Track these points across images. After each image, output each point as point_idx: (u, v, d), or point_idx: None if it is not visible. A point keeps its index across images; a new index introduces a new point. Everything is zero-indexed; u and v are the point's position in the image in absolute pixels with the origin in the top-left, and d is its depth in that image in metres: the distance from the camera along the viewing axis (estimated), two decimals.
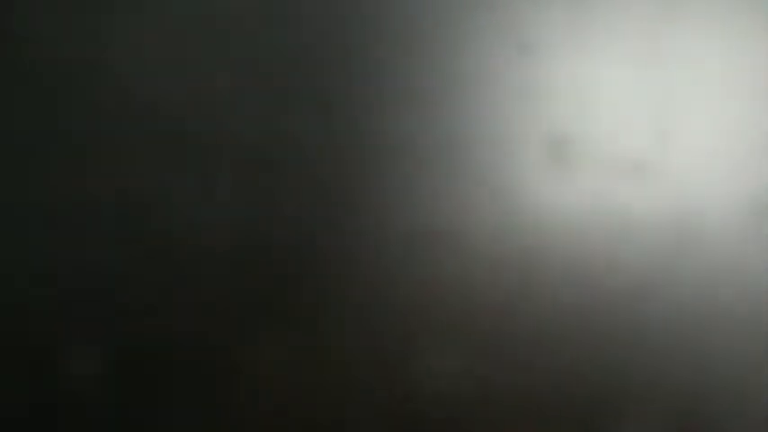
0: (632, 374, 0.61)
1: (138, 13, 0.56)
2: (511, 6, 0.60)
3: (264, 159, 0.57)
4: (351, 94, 0.59)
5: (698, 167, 0.62)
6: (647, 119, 0.62)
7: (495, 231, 0.60)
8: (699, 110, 0.62)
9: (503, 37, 0.60)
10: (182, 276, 0.56)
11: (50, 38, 0.55)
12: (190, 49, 0.57)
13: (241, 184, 0.57)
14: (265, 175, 0.57)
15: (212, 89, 0.57)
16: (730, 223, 0.62)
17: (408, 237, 0.59)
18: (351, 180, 0.58)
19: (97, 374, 0.55)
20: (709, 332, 0.62)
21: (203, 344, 0.57)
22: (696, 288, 0.62)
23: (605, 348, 0.61)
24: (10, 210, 0.54)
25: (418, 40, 0.59)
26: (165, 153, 0.56)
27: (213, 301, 0.57)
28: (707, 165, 0.62)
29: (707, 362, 0.62)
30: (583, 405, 0.61)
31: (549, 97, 0.61)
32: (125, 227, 0.55)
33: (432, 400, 0.59)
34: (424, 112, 0.59)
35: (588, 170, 0.61)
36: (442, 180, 0.60)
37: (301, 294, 0.58)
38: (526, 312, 0.60)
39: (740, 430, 0.62)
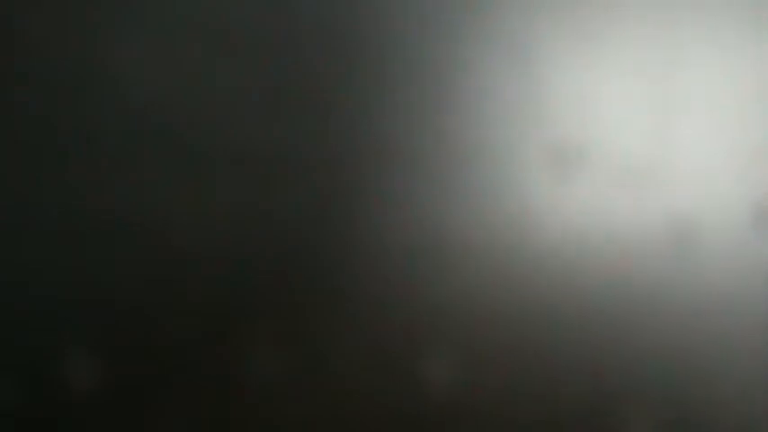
0: (634, 381, 0.61)
1: (136, 20, 0.56)
2: (513, 17, 0.60)
3: (265, 168, 0.57)
4: (351, 103, 0.59)
5: (699, 175, 0.62)
6: (649, 128, 0.62)
7: (496, 240, 0.60)
8: (699, 118, 0.62)
9: (504, 47, 0.60)
10: (179, 283, 0.56)
11: (50, 43, 0.55)
12: (188, 55, 0.57)
13: (240, 192, 0.57)
14: (265, 185, 0.57)
15: (211, 96, 0.57)
16: (731, 230, 0.62)
17: (409, 247, 0.59)
18: (351, 190, 0.58)
19: (95, 378, 0.55)
20: (708, 338, 0.62)
21: (201, 350, 0.57)
22: (697, 294, 0.62)
23: (608, 355, 0.61)
24: (10, 215, 0.54)
25: (421, 50, 0.60)
26: (164, 159, 0.56)
27: (211, 308, 0.57)
28: (708, 173, 0.62)
29: (706, 368, 0.62)
30: (584, 411, 0.61)
31: (552, 107, 0.61)
32: (123, 232, 0.55)
33: (432, 409, 0.59)
34: (425, 123, 0.60)
35: (590, 179, 0.61)
36: (443, 189, 0.60)
37: (300, 304, 0.58)
38: (528, 321, 0.61)
39: None
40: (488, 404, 0.60)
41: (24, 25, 0.55)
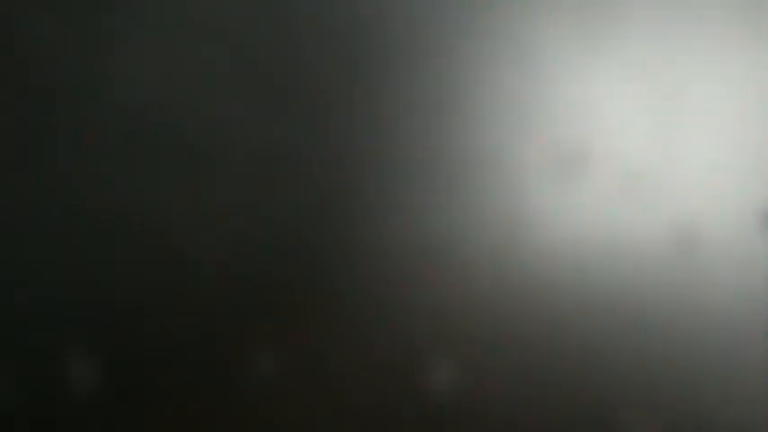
0: (636, 384, 0.61)
1: (137, 22, 0.56)
2: (517, 21, 0.61)
3: (265, 169, 0.57)
4: (353, 104, 0.59)
5: (702, 179, 0.62)
6: (652, 132, 0.62)
7: (498, 242, 0.60)
8: (702, 122, 0.62)
9: (508, 51, 0.60)
10: (179, 285, 0.56)
11: (51, 44, 0.55)
12: (190, 59, 0.57)
13: (240, 192, 0.57)
14: (266, 185, 0.57)
15: (212, 97, 0.57)
16: (732, 236, 0.62)
17: (410, 248, 0.59)
18: (352, 190, 0.58)
19: (94, 379, 0.55)
20: (711, 342, 0.62)
21: (200, 350, 0.57)
22: (699, 297, 0.62)
23: (607, 357, 0.61)
24: (10, 216, 0.54)
25: (424, 55, 0.60)
26: (164, 159, 0.56)
27: (212, 309, 0.57)
28: (711, 176, 0.62)
29: (708, 372, 0.62)
30: (583, 411, 0.61)
31: (555, 111, 0.61)
32: (123, 232, 0.56)
33: (432, 410, 0.59)
34: (428, 126, 0.60)
35: (593, 183, 0.61)
36: (444, 191, 0.60)
37: (300, 305, 0.58)
38: (531, 325, 0.61)
39: None
40: (488, 405, 0.60)
41: (25, 27, 0.55)
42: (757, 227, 0.62)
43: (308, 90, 0.58)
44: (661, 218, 0.62)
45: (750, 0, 0.63)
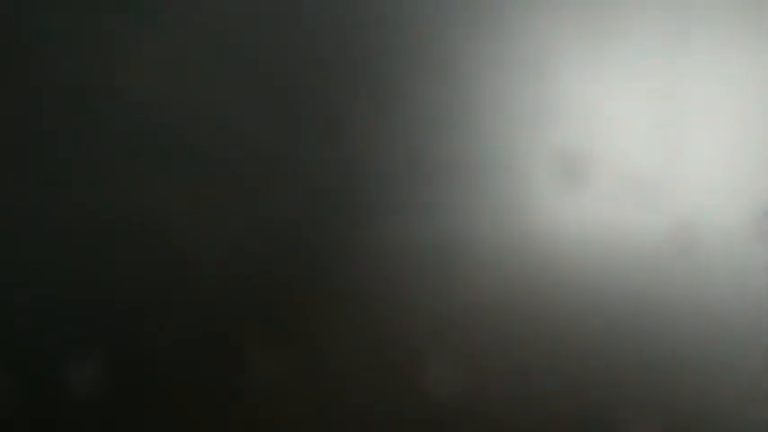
0: (637, 387, 0.61)
1: (141, 28, 0.56)
2: (524, 28, 0.61)
3: (269, 172, 0.57)
4: (358, 108, 0.59)
5: (707, 188, 0.62)
6: (658, 140, 0.62)
7: (502, 247, 0.60)
8: (708, 131, 0.62)
9: (512, 55, 0.60)
10: (178, 285, 0.56)
11: (53, 51, 0.55)
12: (194, 62, 0.57)
13: (241, 194, 0.57)
14: (270, 188, 0.57)
15: (214, 99, 0.57)
16: (735, 240, 0.62)
17: (415, 252, 0.59)
18: (357, 194, 0.59)
19: (95, 380, 0.55)
20: (712, 346, 0.62)
21: (200, 352, 0.57)
22: (701, 303, 0.62)
23: (612, 362, 0.61)
24: (11, 217, 0.54)
25: (429, 56, 0.60)
26: (169, 165, 0.56)
27: (211, 310, 0.57)
28: (713, 182, 0.62)
29: (709, 374, 0.62)
30: (587, 415, 0.61)
31: (558, 115, 0.61)
32: (123, 233, 0.56)
33: (435, 412, 0.59)
34: (432, 128, 0.60)
35: (598, 190, 0.61)
36: (449, 196, 0.60)
37: (303, 307, 0.58)
38: (532, 326, 0.61)
39: None
40: (489, 407, 0.60)
41: (27, 30, 0.55)
42: (758, 227, 0.62)
43: (310, 90, 0.58)
44: (666, 219, 0.62)
45: (752, 0, 0.63)
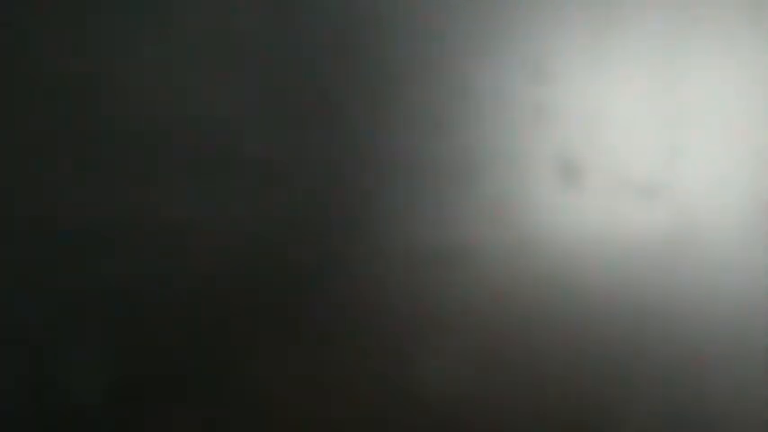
0: (638, 392, 0.62)
1: (146, 30, 0.56)
2: (524, 29, 0.61)
3: (273, 175, 0.57)
4: (361, 111, 0.59)
5: (707, 189, 0.62)
6: (657, 141, 0.62)
7: (504, 251, 0.60)
8: (708, 132, 0.62)
9: (515, 59, 0.60)
10: (185, 290, 0.56)
11: (57, 53, 0.55)
12: (198, 65, 0.56)
13: (248, 199, 0.57)
14: (273, 191, 0.57)
15: (221, 106, 0.57)
16: (738, 244, 0.62)
17: (416, 255, 0.59)
18: (360, 197, 0.59)
19: (96, 381, 0.55)
20: (714, 351, 0.62)
21: (206, 356, 0.57)
22: (705, 307, 0.62)
23: (614, 366, 0.61)
24: (12, 218, 0.54)
25: (431, 60, 0.60)
26: (172, 167, 0.56)
27: (216, 314, 0.57)
28: (715, 186, 0.62)
29: (709, 379, 0.62)
30: (589, 420, 0.61)
31: (560, 119, 0.61)
32: (131, 243, 0.55)
33: (434, 419, 0.59)
34: (435, 132, 0.60)
35: (598, 191, 0.61)
36: (451, 199, 0.60)
37: (305, 310, 0.58)
38: (534, 331, 0.61)
39: None
40: (489, 412, 0.60)
41: (30, 36, 0.54)
42: (762, 234, 0.62)
43: (313, 96, 0.58)
44: (666, 220, 0.62)
45: (753, 1, 0.63)
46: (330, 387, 0.58)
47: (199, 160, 0.56)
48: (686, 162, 0.62)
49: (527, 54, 0.60)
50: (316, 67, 0.58)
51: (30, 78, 0.54)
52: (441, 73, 0.60)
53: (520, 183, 0.60)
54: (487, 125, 0.60)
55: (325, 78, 0.58)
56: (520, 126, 0.60)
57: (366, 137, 0.59)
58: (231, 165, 0.57)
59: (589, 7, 0.61)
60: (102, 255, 0.55)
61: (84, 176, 0.55)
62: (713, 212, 0.62)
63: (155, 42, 0.56)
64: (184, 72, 0.56)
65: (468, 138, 0.60)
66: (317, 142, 0.58)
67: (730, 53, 0.63)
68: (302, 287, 0.58)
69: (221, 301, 0.57)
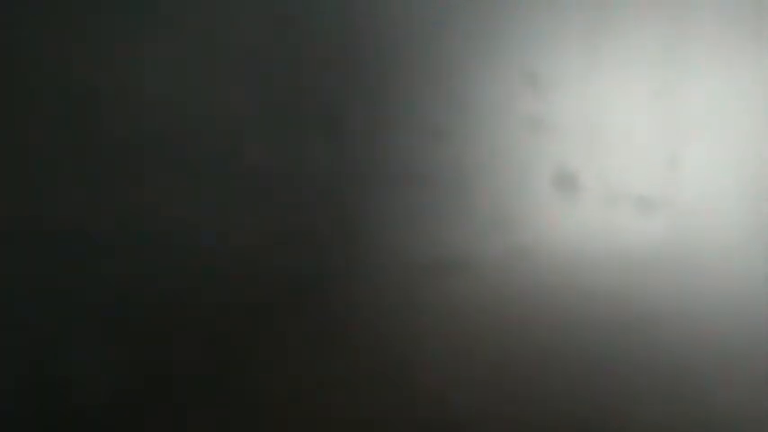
0: (636, 404, 0.61)
1: (146, 36, 0.56)
2: (521, 39, 0.60)
3: (270, 184, 0.57)
4: (361, 123, 0.59)
5: (706, 200, 0.62)
6: (655, 152, 0.62)
7: (501, 262, 0.60)
8: (706, 142, 0.62)
9: (513, 69, 0.60)
10: (185, 290, 0.56)
11: (56, 57, 0.55)
12: (197, 72, 0.57)
13: (245, 209, 0.57)
14: (270, 200, 0.57)
15: (220, 115, 0.57)
16: (737, 256, 0.62)
17: (414, 266, 0.59)
18: (357, 207, 0.58)
19: (100, 388, 0.55)
20: (713, 362, 0.62)
21: (205, 357, 0.57)
22: (704, 320, 0.62)
23: (612, 375, 0.61)
24: (20, 222, 0.54)
25: (429, 70, 0.59)
26: (174, 177, 0.56)
27: (214, 319, 0.57)
28: (715, 198, 0.62)
29: (711, 392, 0.62)
30: (588, 428, 0.61)
31: (558, 130, 0.61)
32: (131, 245, 0.56)
33: (433, 429, 0.59)
34: (432, 143, 0.59)
35: (595, 202, 0.61)
36: (449, 210, 0.59)
37: (302, 320, 0.58)
38: (531, 342, 0.60)
39: None
40: (489, 422, 0.60)
41: (29, 38, 0.55)
42: (765, 249, 0.62)
43: (309, 103, 0.58)
44: (669, 241, 0.61)
45: (753, 10, 0.63)
46: (328, 397, 0.58)
47: (198, 168, 0.57)
48: (684, 173, 0.62)
49: (524, 65, 0.60)
50: (314, 77, 0.58)
51: (30, 81, 0.54)
52: (438, 84, 0.60)
53: (517, 194, 0.60)
54: (485, 136, 0.60)
55: (322, 89, 0.58)
56: (517, 137, 0.60)
57: (363, 147, 0.59)
58: (229, 173, 0.57)
59: (586, 18, 0.61)
60: (102, 256, 0.55)
61: (84, 179, 0.55)
62: (711, 223, 0.62)
63: (154, 48, 0.56)
64: (183, 79, 0.56)
65: (466, 149, 0.60)
66: (314, 152, 0.58)
67: (728, 63, 0.62)
68: (299, 297, 0.58)
69: (219, 307, 0.57)
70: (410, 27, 0.59)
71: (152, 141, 0.56)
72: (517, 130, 0.60)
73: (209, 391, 0.56)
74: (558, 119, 0.61)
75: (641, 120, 0.62)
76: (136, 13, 0.56)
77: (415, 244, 0.59)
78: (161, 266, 0.56)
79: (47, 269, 0.55)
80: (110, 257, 0.55)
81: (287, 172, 0.58)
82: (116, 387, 0.55)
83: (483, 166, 0.60)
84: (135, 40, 0.56)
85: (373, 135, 0.59)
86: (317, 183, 0.58)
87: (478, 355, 0.60)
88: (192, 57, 0.57)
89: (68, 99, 0.55)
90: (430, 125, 0.59)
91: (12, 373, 0.54)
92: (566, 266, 0.60)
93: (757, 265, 0.62)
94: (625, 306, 0.61)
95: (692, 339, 0.62)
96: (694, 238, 0.62)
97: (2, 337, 0.54)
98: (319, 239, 0.58)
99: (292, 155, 0.58)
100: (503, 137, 0.60)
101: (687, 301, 0.62)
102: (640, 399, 0.61)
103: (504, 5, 0.60)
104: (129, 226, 0.55)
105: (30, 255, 0.54)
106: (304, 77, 0.58)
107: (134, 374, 0.55)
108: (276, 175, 0.58)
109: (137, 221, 0.55)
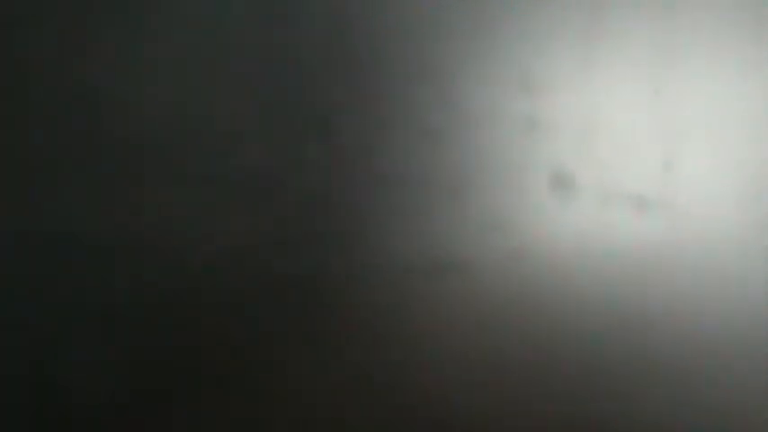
0: (634, 404, 0.61)
1: (143, 40, 0.56)
2: (517, 41, 0.60)
3: (266, 186, 0.57)
4: (357, 125, 0.59)
5: (702, 201, 0.62)
6: (652, 152, 0.62)
7: (499, 264, 0.60)
8: (702, 143, 0.62)
9: (508, 71, 0.60)
10: (185, 291, 0.56)
11: (53, 62, 0.55)
12: (200, 76, 0.57)
13: (242, 211, 0.57)
14: (266, 202, 0.57)
15: (216, 119, 0.57)
16: (733, 255, 0.62)
17: (410, 268, 0.59)
18: (353, 210, 0.58)
19: (100, 388, 0.55)
20: (709, 364, 0.62)
21: (205, 358, 0.57)
22: (700, 320, 0.62)
23: (608, 376, 0.61)
24: (20, 223, 0.54)
25: (424, 74, 0.59)
26: (173, 178, 0.56)
27: (216, 322, 0.57)
28: (710, 197, 0.62)
29: (707, 392, 0.62)
30: (587, 430, 0.61)
31: (554, 131, 0.61)
32: (134, 256, 0.56)
33: (431, 431, 0.59)
34: (429, 144, 0.59)
35: (592, 204, 0.61)
36: (444, 212, 0.59)
37: (298, 321, 0.58)
38: (528, 342, 0.60)
39: None
40: (487, 423, 0.60)
41: (24, 43, 0.55)
42: (760, 248, 0.62)
43: (316, 119, 0.58)
44: (665, 241, 0.61)
45: (750, 10, 0.63)
46: (326, 398, 0.58)
47: (196, 169, 0.57)
48: (680, 173, 0.62)
49: (518, 66, 0.61)
50: (309, 81, 0.58)
51: (29, 82, 0.54)
52: (434, 85, 0.60)
53: (513, 195, 0.60)
54: (480, 138, 0.60)
55: (319, 91, 0.58)
56: (512, 138, 0.60)
57: (359, 149, 0.59)
58: (225, 176, 0.57)
59: (580, 20, 0.61)
60: (102, 257, 0.55)
61: (84, 180, 0.55)
62: (707, 224, 0.62)
63: (151, 52, 0.56)
64: (182, 81, 0.56)
65: (461, 150, 0.60)
66: (311, 154, 0.58)
67: (725, 63, 0.62)
68: (295, 299, 0.58)
69: (218, 307, 0.57)
70: (406, 29, 0.60)
71: (151, 142, 0.56)
72: (513, 131, 0.60)
73: (209, 392, 0.56)
74: (554, 120, 0.61)
75: (637, 120, 0.62)
76: (133, 17, 0.56)
77: (411, 245, 0.59)
78: (161, 267, 0.56)
79: (47, 269, 0.55)
80: (110, 258, 0.55)
81: (284, 173, 0.58)
82: (116, 387, 0.55)
83: (479, 167, 0.60)
84: (135, 41, 0.56)
85: (369, 137, 0.59)
86: (314, 184, 0.58)
87: (476, 356, 0.60)
88: (192, 59, 0.57)
89: (68, 99, 0.55)
90: (426, 126, 0.59)
91: (12, 373, 0.54)
92: (562, 267, 0.60)
93: (754, 265, 0.62)
94: (622, 306, 0.61)
95: (688, 340, 0.62)
96: (691, 238, 0.62)
97: (2, 337, 0.54)
98: (316, 241, 0.58)
99: (290, 156, 0.58)
100: (499, 138, 0.60)
101: (684, 302, 0.62)
102: (638, 399, 0.61)
103: (500, 7, 0.61)
104: (128, 226, 0.55)
105: (30, 255, 0.54)
106: (300, 80, 0.58)
107: (134, 374, 0.55)
108: (274, 177, 0.58)
109: (137, 222, 0.55)
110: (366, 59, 0.59)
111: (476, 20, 0.60)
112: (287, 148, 0.58)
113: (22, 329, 0.54)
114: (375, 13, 0.59)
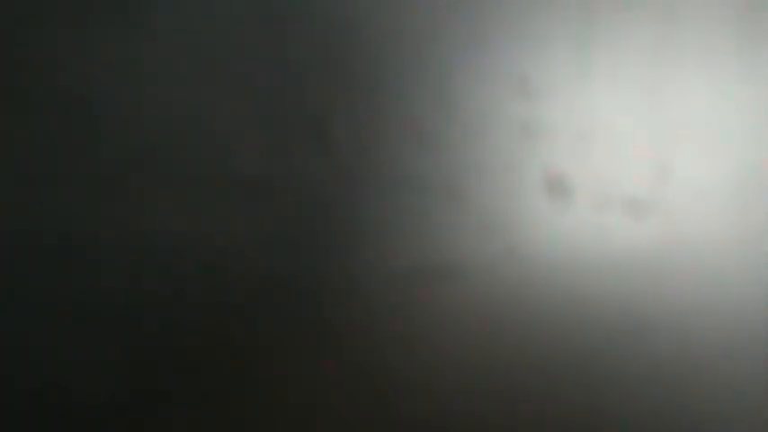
0: (629, 406, 0.62)
1: (143, 44, 0.56)
2: (513, 44, 0.61)
3: (260, 190, 0.57)
4: (352, 128, 0.59)
5: (697, 204, 0.62)
6: (647, 156, 0.62)
7: (493, 267, 0.60)
8: (698, 148, 0.62)
9: (504, 74, 0.61)
10: (184, 291, 0.56)
11: (46, 66, 0.55)
12: (196, 79, 0.57)
13: (236, 214, 0.57)
14: (260, 205, 0.57)
15: (210, 122, 0.57)
16: (727, 259, 0.62)
17: (408, 271, 0.59)
18: (348, 213, 0.58)
19: (100, 388, 0.55)
20: (706, 366, 0.62)
21: (204, 358, 0.57)
22: (695, 323, 0.62)
23: (603, 379, 0.61)
24: (20, 223, 0.54)
25: (420, 77, 0.60)
26: (170, 182, 0.56)
27: (215, 323, 0.57)
28: (705, 202, 0.62)
29: (704, 396, 0.62)
30: (582, 430, 0.61)
31: (551, 135, 0.61)
32: (134, 256, 0.56)
33: None
34: (424, 148, 0.60)
35: (586, 206, 0.61)
36: (439, 215, 0.60)
37: (292, 324, 0.58)
38: (522, 345, 0.61)
39: None
40: (482, 426, 0.60)
41: (26, 35, 0.55)
42: (755, 253, 0.62)
43: (299, 109, 0.58)
44: (660, 245, 0.62)
45: (751, 4, 0.63)
46: (321, 399, 0.58)
47: (187, 175, 0.57)
48: (675, 177, 0.62)
49: (514, 70, 0.61)
50: (303, 84, 0.59)
51: (28, 82, 0.54)
52: (428, 90, 0.60)
53: (508, 198, 0.60)
54: (475, 141, 0.60)
55: (312, 95, 0.59)
56: (508, 142, 0.61)
57: (355, 152, 0.59)
58: (219, 180, 0.57)
59: (575, 24, 0.62)
60: (101, 257, 0.55)
61: (83, 181, 0.55)
62: (702, 227, 0.62)
63: (151, 52, 0.56)
64: (180, 83, 0.57)
65: (456, 154, 0.60)
66: (306, 157, 0.58)
67: (720, 68, 0.63)
68: (289, 302, 0.58)
69: (217, 308, 0.57)
70: (404, 32, 0.60)
71: (151, 142, 0.56)
72: (508, 134, 0.61)
73: (208, 392, 0.56)
74: (550, 124, 0.61)
75: (633, 124, 0.62)
76: (135, 13, 0.56)
77: (409, 248, 0.59)
78: (161, 267, 0.56)
79: (47, 269, 0.55)
80: (110, 258, 0.55)
81: (280, 177, 0.58)
82: (116, 387, 0.55)
83: (474, 170, 0.60)
84: (135, 41, 0.56)
85: (364, 140, 0.59)
86: (309, 187, 0.58)
87: (472, 357, 0.60)
88: (192, 59, 0.57)
89: (68, 100, 0.55)
90: (421, 130, 0.60)
91: (12, 373, 0.54)
92: (557, 271, 0.61)
93: (749, 268, 0.63)
94: (617, 309, 0.61)
95: (683, 343, 0.62)
96: (685, 241, 0.62)
97: (2, 337, 0.54)
98: (316, 242, 0.58)
99: (288, 157, 0.58)
100: (494, 142, 0.60)
101: (679, 305, 0.62)
102: (633, 401, 0.62)
103: (497, 11, 0.61)
104: (128, 227, 0.55)
105: (30, 255, 0.54)
106: (300, 81, 0.58)
107: (134, 374, 0.55)
108: (273, 178, 0.58)
109: (137, 222, 0.55)
110: (364, 62, 0.59)
111: (473, 24, 0.61)
112: (286, 150, 0.58)
113: (22, 329, 0.54)
114: (374, 16, 0.59)
